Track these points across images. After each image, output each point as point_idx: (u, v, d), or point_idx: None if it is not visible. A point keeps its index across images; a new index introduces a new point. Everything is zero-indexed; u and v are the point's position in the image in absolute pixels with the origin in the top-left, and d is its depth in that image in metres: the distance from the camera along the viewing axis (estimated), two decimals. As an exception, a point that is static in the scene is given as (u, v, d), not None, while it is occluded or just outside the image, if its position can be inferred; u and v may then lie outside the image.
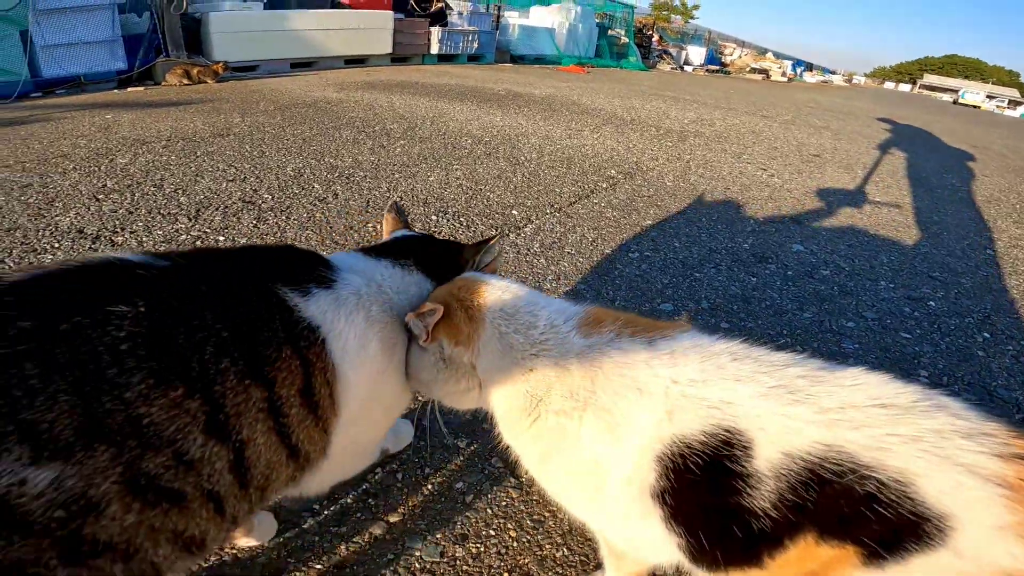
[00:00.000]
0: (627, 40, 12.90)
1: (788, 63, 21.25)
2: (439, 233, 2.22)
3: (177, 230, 2.06)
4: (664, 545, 0.63)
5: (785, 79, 18.21)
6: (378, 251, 0.81)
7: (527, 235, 2.20)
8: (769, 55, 21.45)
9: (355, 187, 2.57)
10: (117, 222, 2.08)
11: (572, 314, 0.71)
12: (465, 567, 0.87)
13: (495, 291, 0.73)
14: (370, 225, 2.21)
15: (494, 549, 0.91)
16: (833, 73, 26.90)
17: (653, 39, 14.97)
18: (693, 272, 2.01)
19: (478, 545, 0.91)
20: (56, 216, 2.12)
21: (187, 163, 2.79)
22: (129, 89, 5.43)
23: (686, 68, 15.84)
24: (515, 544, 0.92)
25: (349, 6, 7.91)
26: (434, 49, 8.56)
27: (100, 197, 2.32)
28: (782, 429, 0.56)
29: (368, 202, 2.40)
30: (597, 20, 12.34)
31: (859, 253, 2.40)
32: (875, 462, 0.52)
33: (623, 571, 0.78)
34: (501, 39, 10.21)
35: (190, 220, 2.15)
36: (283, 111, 4.19)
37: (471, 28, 8.99)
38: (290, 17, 6.77)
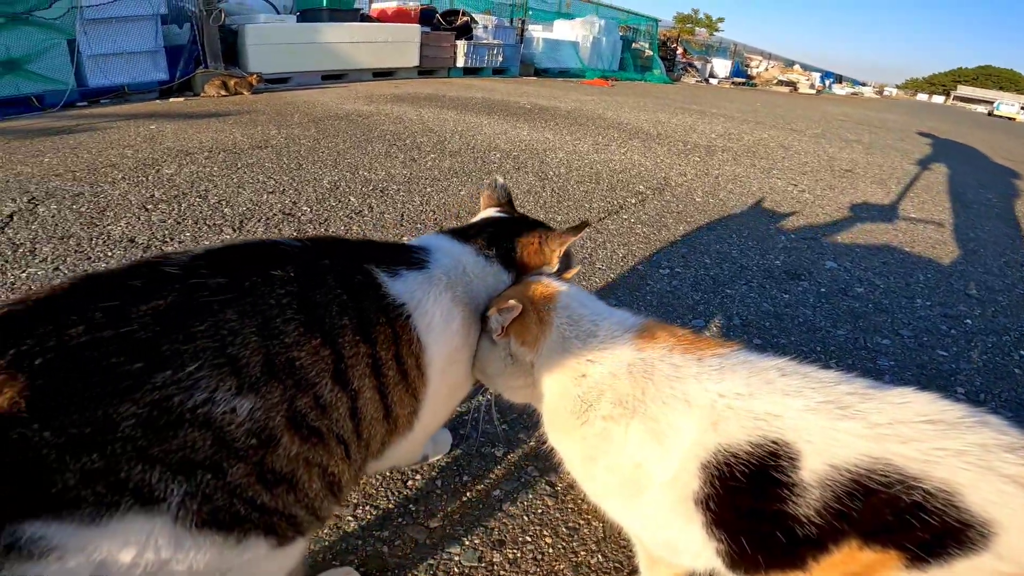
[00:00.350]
0: (651, 53, 12.94)
1: (816, 75, 21.03)
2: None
3: (223, 241, 2.14)
4: (703, 550, 0.65)
5: (813, 91, 18.00)
6: (465, 235, 0.86)
7: (556, 248, 2.24)
8: (797, 67, 21.24)
9: (389, 200, 2.64)
10: (166, 232, 2.17)
11: (630, 326, 0.75)
12: (502, 572, 0.90)
13: (564, 297, 0.78)
14: (405, 238, 2.27)
15: (530, 555, 0.93)
16: (863, 85, 26.48)
17: (677, 52, 14.98)
18: (724, 288, 2.01)
19: (515, 551, 0.94)
20: (108, 225, 2.21)
21: (229, 174, 2.89)
22: (170, 100, 5.60)
23: (711, 81, 15.80)
24: (551, 550, 0.94)
25: (378, 20, 8.10)
26: (460, 62, 8.71)
27: (149, 207, 2.43)
28: (830, 442, 0.58)
29: (403, 215, 2.47)
30: (621, 33, 12.42)
31: (894, 270, 2.37)
32: (922, 474, 0.55)
33: None
34: (525, 52, 10.34)
35: (234, 231, 2.23)
36: (317, 123, 4.32)
37: (496, 42, 9.14)
38: (321, 30, 6.95)
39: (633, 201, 2.92)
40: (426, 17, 8.65)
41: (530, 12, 10.75)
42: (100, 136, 3.72)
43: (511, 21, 10.43)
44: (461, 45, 8.62)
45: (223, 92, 5.74)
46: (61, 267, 1.89)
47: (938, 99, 38.62)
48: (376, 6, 8.60)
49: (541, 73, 10.50)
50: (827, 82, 22.04)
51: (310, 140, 3.71)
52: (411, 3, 8.59)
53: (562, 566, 0.92)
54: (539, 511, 1.02)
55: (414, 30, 7.93)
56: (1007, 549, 0.53)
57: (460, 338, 0.77)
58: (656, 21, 13.16)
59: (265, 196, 2.60)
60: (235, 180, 2.81)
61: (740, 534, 0.61)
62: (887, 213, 3.25)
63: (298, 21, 6.97)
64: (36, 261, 1.91)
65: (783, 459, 0.59)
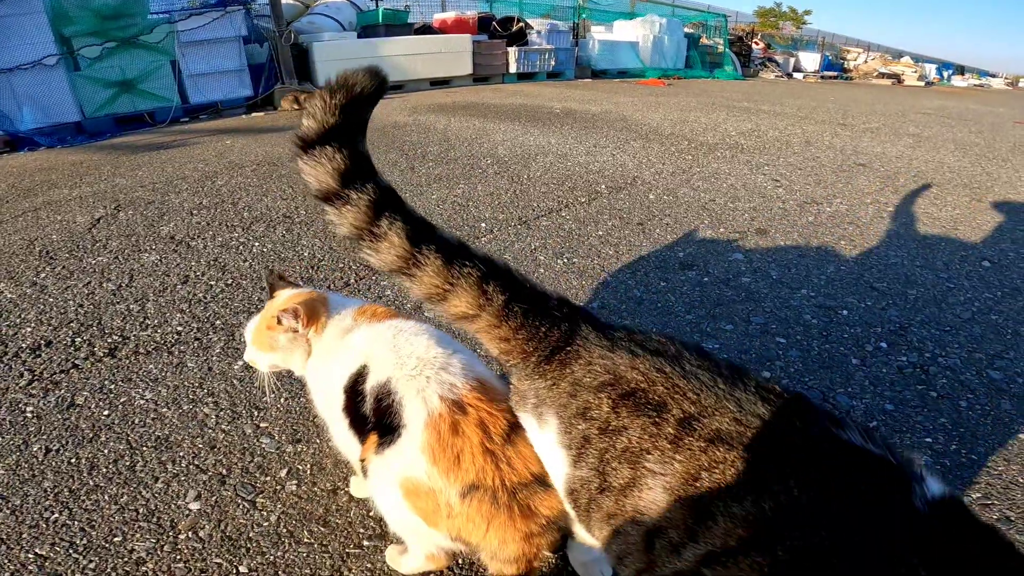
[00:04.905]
0: (724, 49, 12.57)
1: (931, 67, 19.08)
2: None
3: (232, 238, 2.77)
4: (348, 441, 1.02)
5: (922, 84, 16.36)
6: None
7: (480, 245, 2.63)
8: (905, 59, 19.27)
9: (369, 203, 3.16)
10: (197, 231, 2.85)
11: (356, 307, 1.11)
12: (287, 457, 1.37)
13: (331, 300, 1.13)
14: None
15: (313, 450, 1.39)
16: (993, 76, 23.34)
17: (756, 47, 14.34)
18: (607, 277, 2.30)
19: (305, 447, 1.40)
20: (161, 226, 2.94)
21: (262, 184, 3.59)
22: (253, 114, 6.47)
23: (795, 75, 14.93)
24: (328, 450, 1.39)
25: (440, 30, 8.74)
26: (512, 68, 9.15)
27: (194, 212, 3.14)
28: (379, 366, 0.94)
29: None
30: (689, 30, 12.19)
31: (805, 263, 2.48)
32: (396, 388, 0.90)
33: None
34: (582, 55, 10.54)
35: (243, 231, 2.86)
36: (353, 137, 4.97)
37: (548, 46, 9.46)
38: (379, 45, 7.68)
39: (583, 200, 3.22)
40: (484, 25, 9.16)
41: (583, 14, 10.94)
42: (186, 151, 4.60)
43: (572, 24, 10.68)
44: (512, 52, 9.05)
45: (295, 107, 6.54)
46: (119, 256, 2.60)
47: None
48: (438, 16, 9.26)
49: (599, 75, 10.64)
50: (945, 73, 19.78)
51: (338, 153, 4.35)
52: (469, 12, 9.14)
53: (328, 462, 1.36)
54: (337, 424, 1.47)
55: (465, 40, 8.49)
56: (404, 446, 0.84)
57: None
58: (725, 17, 12.72)
59: (279, 202, 3.25)
60: (263, 189, 3.49)
61: (356, 427, 0.97)
62: (859, 209, 3.23)
63: (358, 38, 7.74)
64: (105, 252, 2.65)
65: (363, 376, 0.95)
